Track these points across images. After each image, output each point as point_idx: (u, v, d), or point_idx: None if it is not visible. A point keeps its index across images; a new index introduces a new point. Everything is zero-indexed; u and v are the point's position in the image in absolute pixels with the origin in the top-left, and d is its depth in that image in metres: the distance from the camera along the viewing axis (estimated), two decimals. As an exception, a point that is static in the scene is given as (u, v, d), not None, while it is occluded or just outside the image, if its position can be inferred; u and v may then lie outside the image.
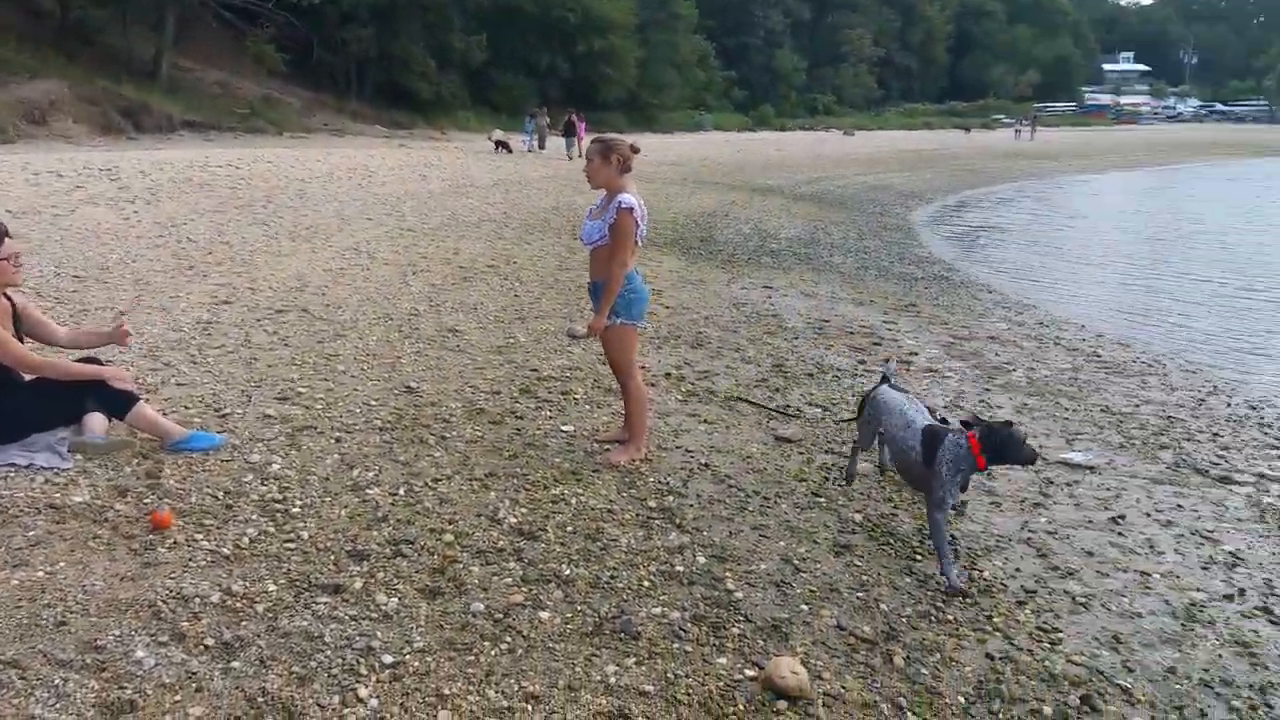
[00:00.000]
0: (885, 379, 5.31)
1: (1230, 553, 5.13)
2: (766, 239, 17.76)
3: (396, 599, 3.72)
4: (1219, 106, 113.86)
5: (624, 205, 5.20)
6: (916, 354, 9.31)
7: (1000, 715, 3.47)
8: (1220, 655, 4.08)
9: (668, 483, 5.32)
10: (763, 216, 21.19)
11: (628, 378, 5.52)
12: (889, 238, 20.54)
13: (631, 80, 51.93)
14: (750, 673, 3.53)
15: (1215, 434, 7.42)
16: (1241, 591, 4.69)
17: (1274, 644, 4.21)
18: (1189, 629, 4.27)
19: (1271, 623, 4.40)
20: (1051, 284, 15.86)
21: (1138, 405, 8.12)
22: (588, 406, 6.58)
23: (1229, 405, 8.39)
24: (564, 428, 6.04)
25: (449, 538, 4.29)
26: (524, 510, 4.70)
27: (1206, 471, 6.48)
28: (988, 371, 8.90)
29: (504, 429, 5.88)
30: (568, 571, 4.13)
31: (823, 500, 5.36)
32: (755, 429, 6.53)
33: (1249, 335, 12.04)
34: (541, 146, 36.40)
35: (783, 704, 3.34)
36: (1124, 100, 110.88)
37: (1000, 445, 4.37)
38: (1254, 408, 8.37)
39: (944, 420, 4.81)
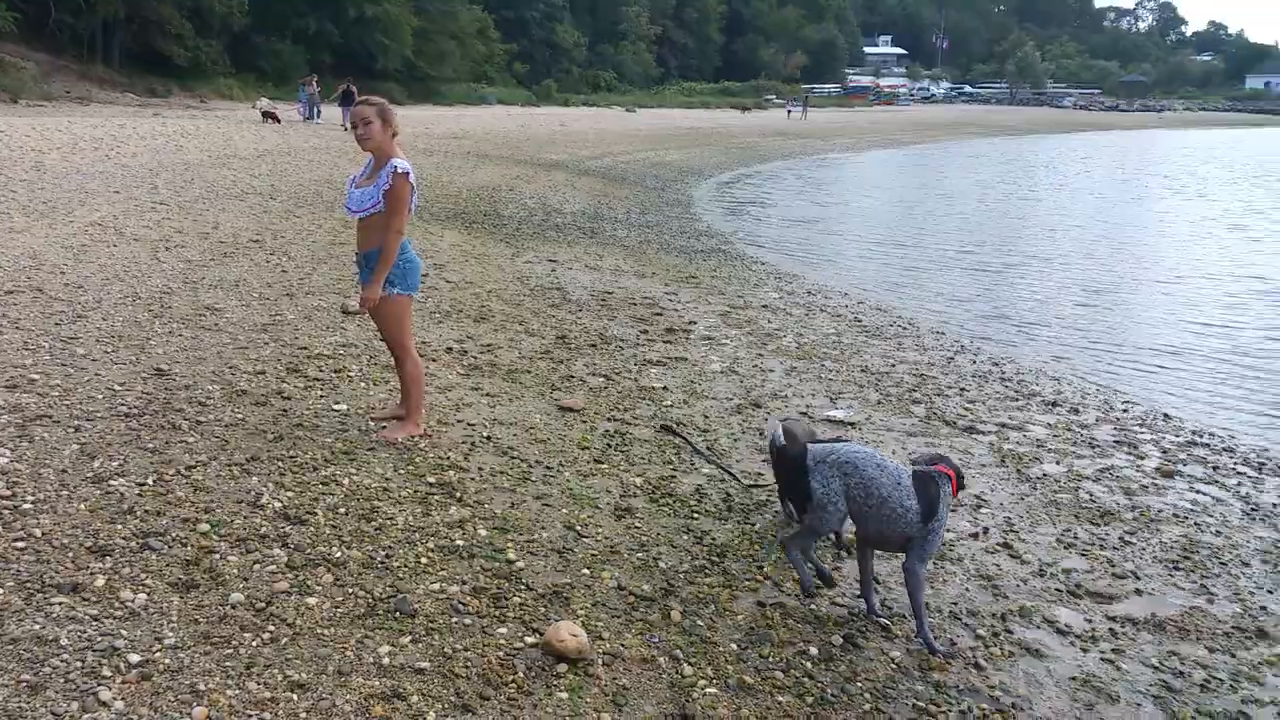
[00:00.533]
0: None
1: (975, 495, 5.61)
2: (551, 213, 17.71)
3: (145, 595, 3.41)
4: (967, 89, 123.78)
5: (400, 170, 4.98)
6: (695, 323, 9.57)
7: (770, 658, 3.62)
8: (967, 589, 4.45)
9: (448, 457, 5.19)
10: (547, 191, 21.12)
11: (404, 351, 5.31)
12: (670, 212, 21.00)
13: (408, 49, 50.14)
14: (530, 640, 3.50)
15: (962, 389, 8.08)
16: (985, 530, 5.13)
17: (1013, 575, 4.63)
18: (939, 566, 4.62)
19: (1011, 557, 4.84)
20: (819, 255, 16.75)
21: (894, 365, 8.71)
22: (363, 384, 6.32)
23: (974, 362, 9.15)
24: (336, 406, 5.77)
25: (204, 527, 3.98)
26: (290, 494, 4.44)
27: (954, 423, 7.05)
28: (760, 338, 9.28)
29: (269, 410, 5.54)
30: (339, 554, 3.95)
31: (605, 466, 5.41)
32: (539, 399, 6.50)
33: (991, 299, 13.18)
34: (316, 116, 34.61)
35: (563, 667, 3.34)
36: (883, 82, 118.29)
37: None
38: (996, 364, 9.17)
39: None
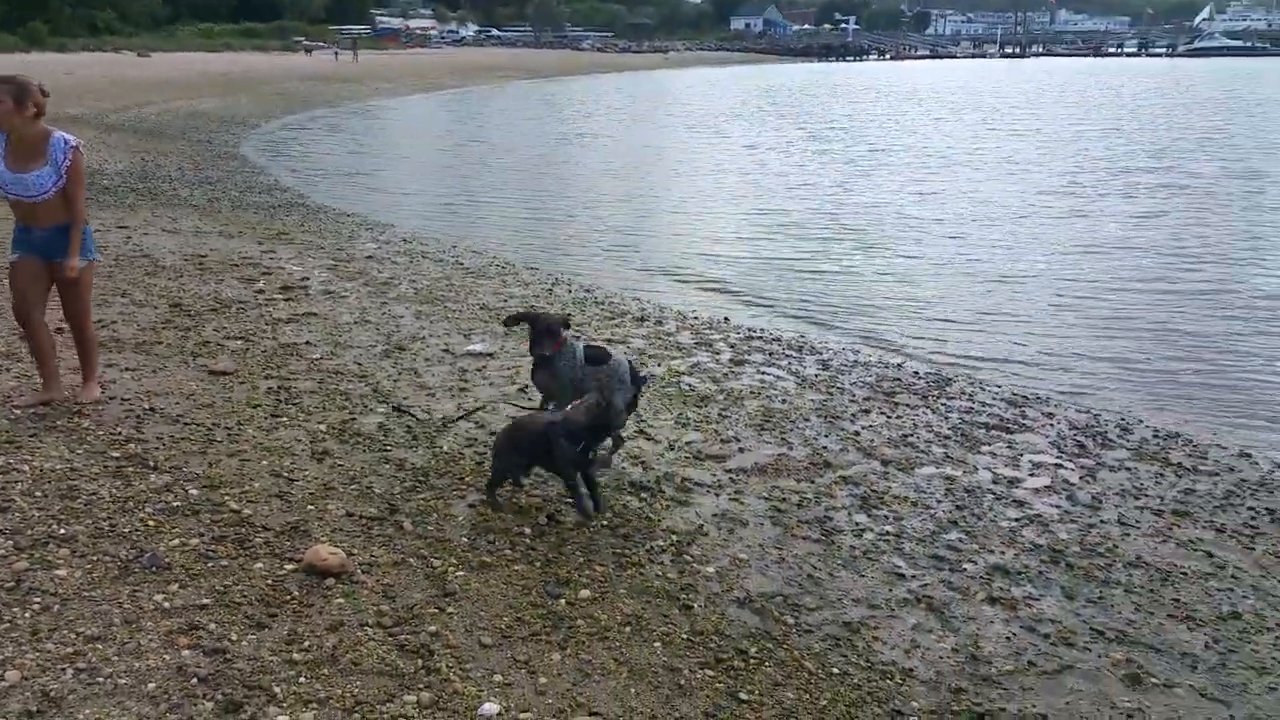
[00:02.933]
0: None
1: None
2: (95, 176, 16.04)
3: (-127, 602, 3.28)
4: (494, 31, 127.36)
5: (73, 143, 5.12)
6: (308, 279, 9.68)
7: (496, 543, 4.36)
8: (624, 466, 5.49)
9: (121, 432, 5.15)
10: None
11: (88, 318, 5.48)
12: (228, 167, 19.94)
13: None
14: (290, 566, 3.90)
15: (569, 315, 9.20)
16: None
17: (653, 453, 5.73)
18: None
19: (648, 439, 5.96)
20: (396, 201, 17.13)
21: (505, 300, 9.62)
22: (-23, 374, 5.85)
23: (570, 291, 10.36)
24: (-36, 400, 5.35)
25: (-103, 532, 3.77)
26: (-31, 488, 4.25)
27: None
28: (378, 287, 9.67)
29: (-115, 412, 5.03)
30: (62, 530, 3.96)
31: (284, 419, 5.68)
32: (183, 368, 6.46)
33: (565, 231, 14.58)
34: None
35: (330, 581, 3.81)
36: (412, 24, 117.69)
37: None
38: (588, 291, 10.45)
39: None
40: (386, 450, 5.36)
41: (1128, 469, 5.82)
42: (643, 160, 24.79)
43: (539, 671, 3.42)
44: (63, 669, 3.05)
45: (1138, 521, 5.06)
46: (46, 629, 3.24)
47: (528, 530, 4.54)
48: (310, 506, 4.52)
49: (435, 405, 6.22)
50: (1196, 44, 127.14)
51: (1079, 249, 13.21)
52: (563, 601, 3.92)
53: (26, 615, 3.31)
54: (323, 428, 5.61)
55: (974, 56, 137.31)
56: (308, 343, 7.39)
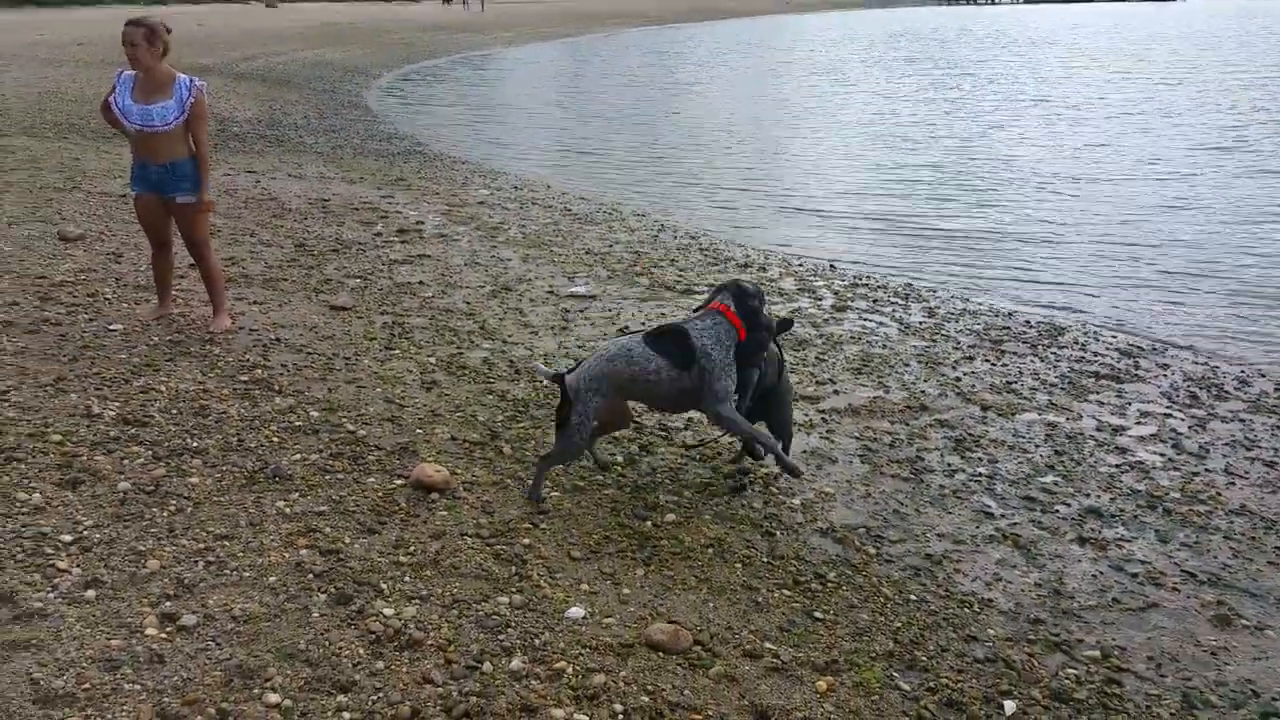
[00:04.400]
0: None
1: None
2: (225, 123, 16.87)
3: (39, 494, 3.69)
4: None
5: (198, 83, 5.53)
6: (423, 223, 10.05)
7: (587, 468, 4.56)
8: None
9: (248, 359, 5.54)
10: (210, 100, 19.89)
11: (209, 249, 5.87)
12: (351, 115, 20.63)
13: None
14: (399, 482, 4.18)
15: (672, 260, 9.32)
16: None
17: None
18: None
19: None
20: (513, 150, 17.46)
21: (610, 245, 9.79)
22: (123, 304, 6.35)
23: (675, 238, 10.46)
24: (112, 328, 5.83)
25: (55, 438, 4.20)
26: (117, 404, 4.67)
27: (673, 287, 8.25)
28: (488, 231, 9.98)
29: (46, 337, 5.53)
30: (195, 444, 4.33)
31: (396, 351, 6.00)
32: (307, 303, 6.86)
33: (676, 179, 14.64)
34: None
35: (435, 496, 4.07)
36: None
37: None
38: (693, 238, 10.53)
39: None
40: (490, 383, 5.62)
41: (1241, 420, 5.62)
42: (764, 109, 24.46)
43: (623, 583, 3.61)
44: (195, 561, 3.38)
45: (1246, 472, 4.91)
46: (181, 527, 3.59)
47: (620, 459, 4.73)
48: (419, 430, 4.80)
49: (535, 343, 6.45)
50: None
51: (1225, 209, 12.50)
52: (649, 524, 4.09)
53: (164, 515, 3.67)
54: (432, 360, 5.90)
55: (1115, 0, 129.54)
56: (420, 282, 7.72)
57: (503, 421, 5.05)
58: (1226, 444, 5.27)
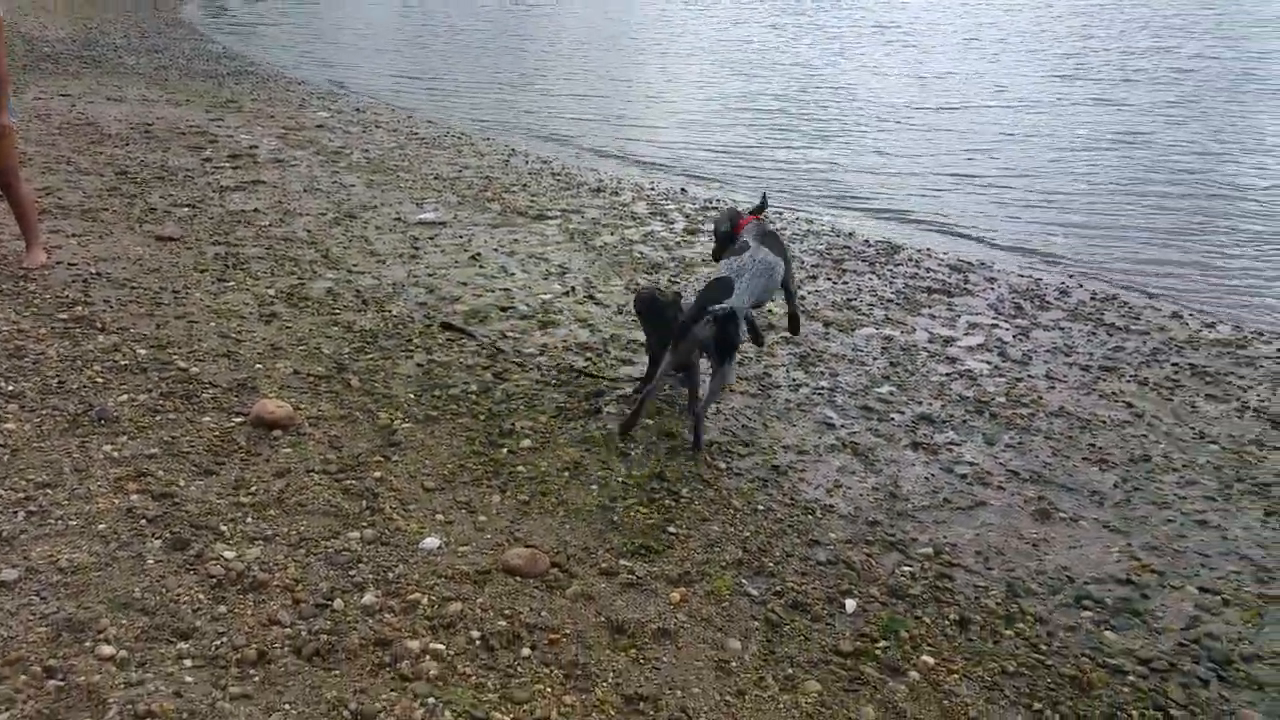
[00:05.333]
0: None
1: (559, 264, 6.76)
2: (34, 43, 15.44)
3: None
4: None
5: None
6: (257, 147, 9.51)
7: (442, 397, 4.49)
8: (572, 330, 5.59)
9: (66, 296, 5.16)
10: (9, 15, 18.10)
11: (17, 177, 5.41)
12: (176, 35, 19.21)
13: None
14: (238, 419, 4.00)
15: (524, 185, 9.15)
16: (573, 289, 6.30)
17: (600, 316, 5.85)
18: (548, 318, 5.72)
19: (596, 304, 6.06)
20: (352, 71, 16.63)
21: (460, 170, 9.53)
22: (-84, 240, 5.79)
23: (527, 162, 10.26)
24: (-97, 264, 5.32)
25: None
26: (-86, 348, 4.28)
27: (526, 212, 8.11)
28: (329, 156, 9.53)
29: None
30: (10, 388, 4.03)
31: (231, 284, 5.70)
32: (130, 234, 6.41)
33: (523, 105, 14.30)
34: None
35: (278, 432, 3.93)
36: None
37: None
38: (544, 162, 10.36)
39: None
40: (335, 314, 5.42)
41: (1061, 329, 6.01)
42: (613, 33, 24.04)
43: (479, 511, 3.59)
44: (14, 512, 3.16)
45: (1065, 376, 5.27)
46: (-1, 474, 3.35)
47: (474, 387, 4.66)
48: (258, 365, 4.60)
49: (383, 271, 6.25)
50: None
51: (1062, 128, 13.15)
52: (505, 450, 4.07)
53: (-24, 462, 3.41)
54: (271, 292, 5.63)
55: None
56: (256, 210, 7.33)
57: (350, 354, 4.89)
58: (1048, 351, 5.63)
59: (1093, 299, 6.65)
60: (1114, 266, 7.58)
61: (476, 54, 19.57)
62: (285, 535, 3.24)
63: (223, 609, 2.83)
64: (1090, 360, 5.49)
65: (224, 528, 3.22)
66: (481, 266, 6.61)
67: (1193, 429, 4.69)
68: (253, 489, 3.50)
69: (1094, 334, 5.94)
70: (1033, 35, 21.63)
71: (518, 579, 3.20)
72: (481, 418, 4.36)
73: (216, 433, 3.88)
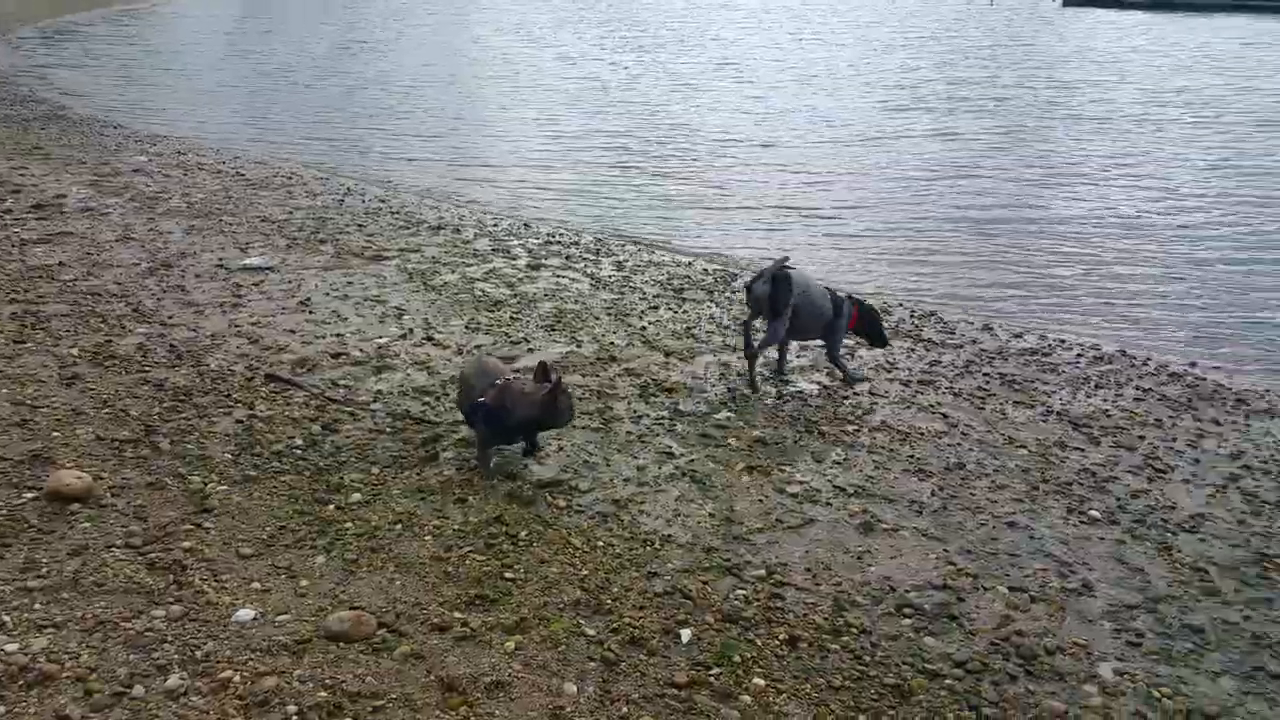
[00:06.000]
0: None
1: (396, 306, 6.60)
2: None
3: None
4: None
5: None
6: (64, 196, 8.95)
7: (265, 455, 4.28)
8: (409, 374, 5.44)
9: None
10: None
11: None
12: (-25, 78, 17.93)
13: None
14: (30, 494, 3.71)
15: (360, 225, 8.92)
16: (410, 331, 6.16)
17: (440, 359, 5.71)
18: (383, 363, 5.56)
19: (436, 346, 5.92)
20: (171, 112, 15.90)
21: (291, 212, 9.22)
22: None
23: (364, 201, 10.01)
24: None
25: None
26: None
27: (362, 254, 7.90)
28: (146, 203, 9.05)
29: None
30: None
31: (29, 345, 5.31)
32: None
33: (357, 143, 13.98)
34: None
35: (75, 505, 3.66)
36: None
37: None
38: (383, 201, 10.14)
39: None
40: (145, 371, 5.12)
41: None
42: (454, 69, 23.82)
43: (300, 575, 3.43)
44: None
45: (886, 391, 5.48)
46: None
47: (300, 441, 4.48)
48: (55, 433, 4.29)
49: (201, 323, 5.96)
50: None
51: (870, 153, 13.77)
52: (332, 507, 3.92)
53: None
54: (74, 351, 5.28)
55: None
56: (60, 264, 6.88)
57: (160, 414, 4.61)
58: (871, 369, 5.85)
59: (912, 316, 6.96)
60: (935, 290, 7.96)
61: (309, 94, 19.04)
62: (80, 620, 3.01)
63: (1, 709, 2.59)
64: (910, 375, 5.74)
65: (6, 617, 2.96)
66: (312, 312, 6.39)
67: (1003, 435, 4.96)
68: (43, 571, 3.24)
69: (913, 350, 6.22)
70: (864, 69, 22.61)
71: (340, 645, 3.06)
72: (307, 474, 4.18)
73: (4, 511, 3.58)
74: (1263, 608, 3.58)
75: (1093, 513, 4.22)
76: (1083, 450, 4.85)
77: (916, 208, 10.71)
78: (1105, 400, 5.55)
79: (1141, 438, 5.05)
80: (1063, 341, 6.52)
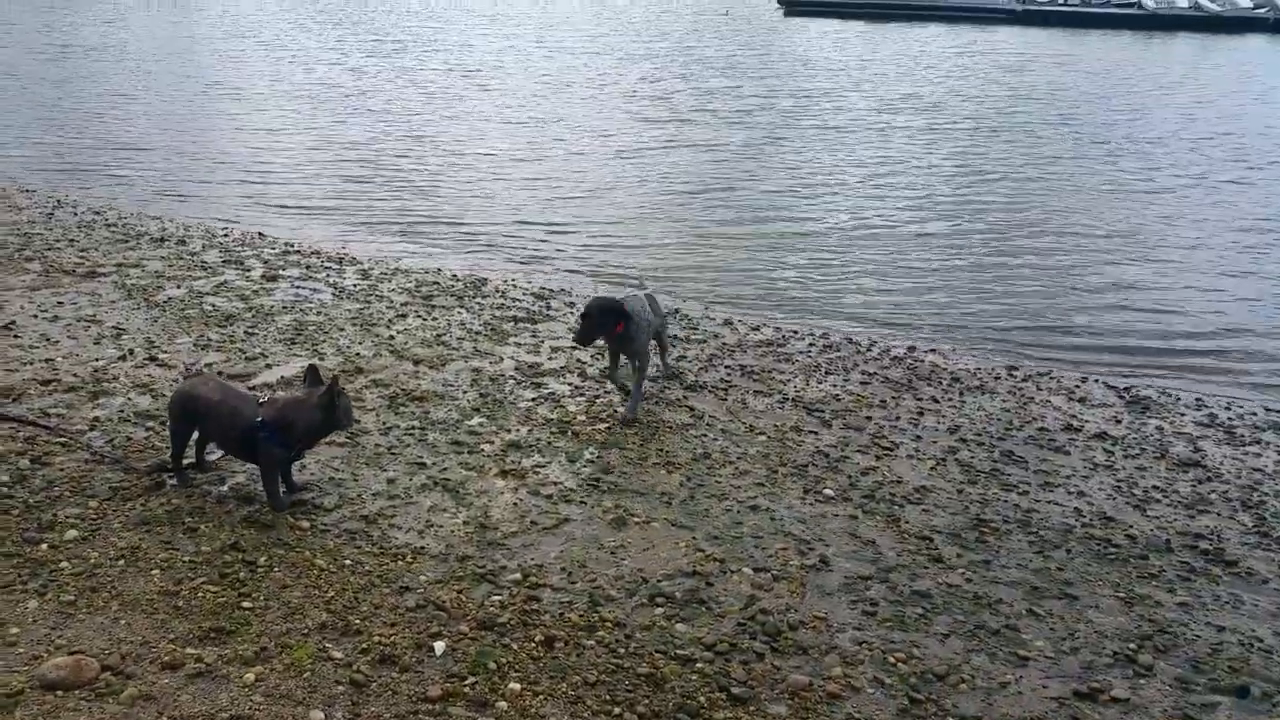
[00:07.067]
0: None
1: (114, 326, 6.09)
2: None
3: None
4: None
5: None
6: None
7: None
8: (129, 398, 5.04)
9: None
10: None
11: None
12: None
13: None
14: None
15: (72, 240, 8.15)
16: (131, 351, 5.70)
17: (165, 379, 5.33)
18: (100, 388, 5.12)
19: (159, 365, 5.52)
20: None
21: (-13, 227, 8.28)
22: None
23: (75, 214, 9.18)
24: None
25: None
26: None
27: (73, 270, 7.22)
28: None
29: None
30: None
31: None
32: None
33: (76, 153, 12.76)
34: None
35: None
36: None
37: None
38: (98, 213, 9.32)
39: None
40: None
41: (632, 342, 6.47)
42: (195, 77, 22.14)
43: (10, 623, 3.11)
44: None
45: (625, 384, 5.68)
46: None
47: (6, 477, 4.04)
48: None
49: (-121, 353, 5.25)
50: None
51: (612, 158, 14.11)
52: (45, 546, 3.58)
53: None
54: None
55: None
56: None
57: None
58: (620, 367, 6.03)
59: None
60: (686, 288, 8.21)
61: (15, 97, 17.14)
62: None
63: None
64: (657, 373, 5.97)
65: None
66: (17, 336, 5.79)
67: (744, 424, 5.27)
68: None
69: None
70: (613, 79, 23.01)
71: (58, 693, 2.80)
72: (15, 512, 3.79)
73: None
74: (982, 569, 3.97)
75: (827, 491, 4.55)
76: (816, 433, 5.22)
77: (677, 220, 10.73)
78: (835, 385, 6.00)
79: (869, 418, 5.50)
80: (795, 333, 7.00)
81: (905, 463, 4.96)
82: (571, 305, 7.31)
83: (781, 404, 5.60)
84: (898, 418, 5.55)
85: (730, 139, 15.55)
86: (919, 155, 14.62)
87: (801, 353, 6.57)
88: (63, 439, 4.49)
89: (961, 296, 8.22)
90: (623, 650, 3.29)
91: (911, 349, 6.91)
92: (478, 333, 6.52)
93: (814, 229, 10.44)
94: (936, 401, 5.86)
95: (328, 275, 7.78)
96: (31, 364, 5.38)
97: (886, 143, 15.66)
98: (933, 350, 6.94)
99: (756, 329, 7.06)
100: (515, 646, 3.25)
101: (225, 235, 8.88)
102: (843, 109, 19.05)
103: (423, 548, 3.85)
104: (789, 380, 6.00)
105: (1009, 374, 6.50)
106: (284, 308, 6.82)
